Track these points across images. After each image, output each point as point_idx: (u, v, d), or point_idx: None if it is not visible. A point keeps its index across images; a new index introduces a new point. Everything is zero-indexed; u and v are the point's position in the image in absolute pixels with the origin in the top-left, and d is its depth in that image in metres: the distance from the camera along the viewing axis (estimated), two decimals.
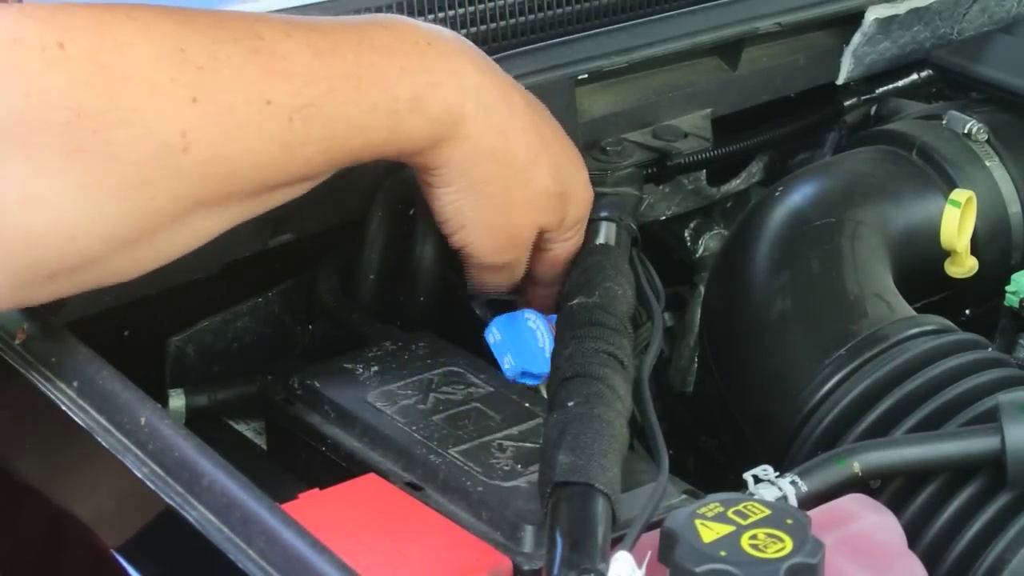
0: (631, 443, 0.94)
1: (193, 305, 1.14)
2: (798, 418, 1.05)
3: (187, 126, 0.83)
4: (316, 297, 1.17)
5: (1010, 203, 1.26)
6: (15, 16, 0.80)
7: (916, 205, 1.23)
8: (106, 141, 0.81)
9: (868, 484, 0.93)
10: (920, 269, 1.20)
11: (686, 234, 1.40)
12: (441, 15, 1.21)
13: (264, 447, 1.08)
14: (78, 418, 0.87)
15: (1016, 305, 1.17)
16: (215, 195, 0.86)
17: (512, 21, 1.25)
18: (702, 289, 1.33)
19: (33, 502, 0.94)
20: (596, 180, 1.18)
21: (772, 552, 0.75)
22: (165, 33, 0.83)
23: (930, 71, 1.45)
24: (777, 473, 0.89)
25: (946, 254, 1.21)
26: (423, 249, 1.12)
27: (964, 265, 1.21)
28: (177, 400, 1.10)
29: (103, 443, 0.85)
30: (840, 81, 1.42)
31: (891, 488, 0.96)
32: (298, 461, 1.01)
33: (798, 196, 1.20)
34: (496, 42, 1.24)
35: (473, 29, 1.22)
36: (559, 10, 1.27)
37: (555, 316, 1.08)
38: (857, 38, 1.40)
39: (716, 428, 1.19)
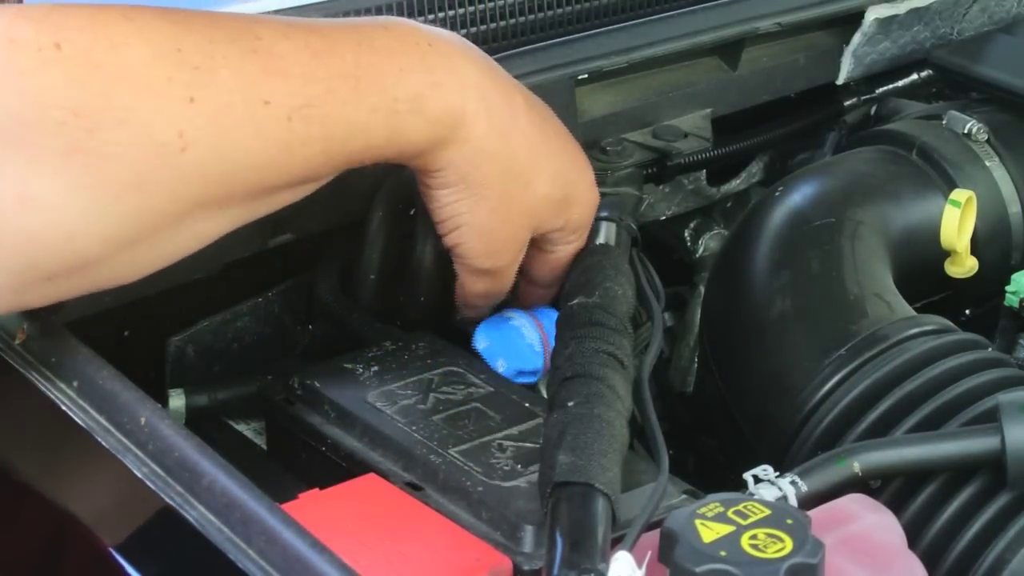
0: (631, 443, 0.94)
1: (193, 305, 1.14)
2: (798, 418, 1.05)
3: (184, 126, 0.83)
4: (316, 297, 1.17)
5: (1010, 203, 1.26)
6: (10, 16, 0.80)
7: (916, 205, 1.23)
8: (103, 141, 0.80)
9: (868, 484, 0.93)
10: (920, 269, 1.20)
11: (686, 234, 1.40)
12: (441, 15, 1.21)
13: (264, 447, 1.08)
14: (78, 418, 0.87)
15: (1016, 305, 1.17)
16: (215, 196, 0.86)
17: (512, 21, 1.25)
18: (702, 289, 1.33)
19: (33, 502, 0.94)
20: (596, 180, 1.18)
21: (772, 552, 0.75)
22: (161, 33, 0.83)
23: (930, 71, 1.45)
24: (777, 473, 0.89)
25: (946, 254, 1.21)
26: (423, 249, 1.12)
27: (964, 265, 1.21)
28: (177, 400, 1.10)
29: (103, 443, 0.85)
30: (840, 81, 1.42)
31: (891, 488, 0.96)
32: (298, 461, 1.01)
33: (798, 196, 1.20)
34: (496, 42, 1.24)
35: (473, 29, 1.22)
36: (559, 10, 1.27)
37: (539, 309, 1.08)
38: (857, 38, 1.40)
39: (716, 428, 1.19)
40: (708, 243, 1.39)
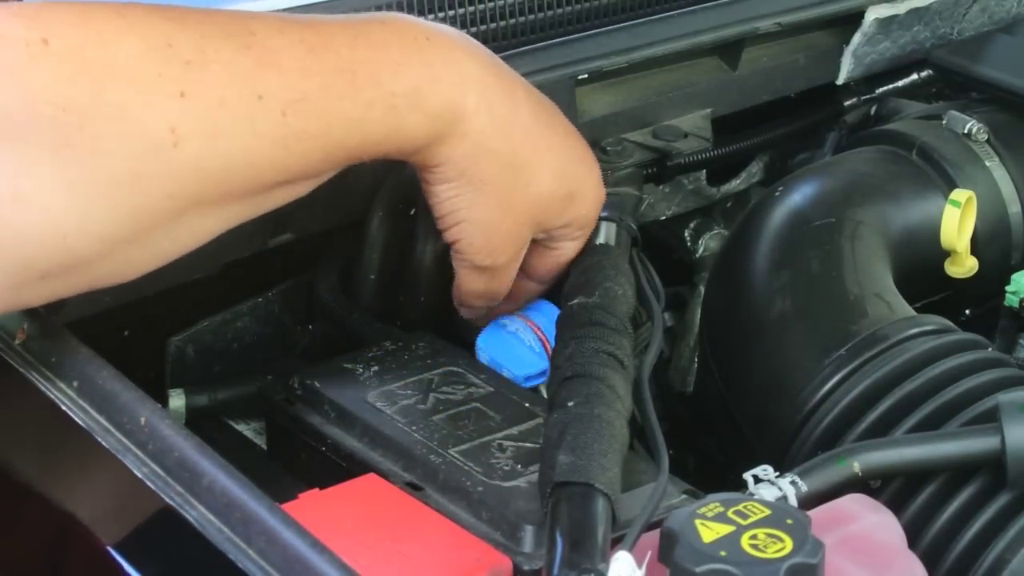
0: (631, 443, 0.94)
1: (193, 305, 1.14)
2: (798, 418, 1.05)
3: (176, 121, 0.82)
4: (316, 297, 1.17)
5: (1010, 203, 1.26)
6: None
7: (916, 205, 1.23)
8: (93, 136, 0.80)
9: (868, 484, 0.93)
10: (920, 269, 1.20)
11: (686, 234, 1.40)
12: (441, 15, 1.21)
13: (264, 447, 1.08)
14: (78, 418, 0.87)
15: (1016, 305, 1.17)
16: (210, 192, 0.85)
17: (512, 21, 1.25)
18: (702, 289, 1.33)
19: (33, 502, 0.94)
20: None
21: (772, 552, 0.75)
22: (152, 28, 0.83)
23: (930, 71, 1.45)
24: (777, 473, 0.89)
25: (946, 254, 1.21)
26: (423, 249, 1.12)
27: (964, 265, 1.21)
28: (177, 400, 1.10)
29: (103, 443, 0.85)
30: (840, 81, 1.42)
31: (891, 488, 0.96)
32: (298, 461, 1.01)
33: (798, 196, 1.20)
34: (496, 42, 1.24)
35: (473, 29, 1.22)
36: (559, 10, 1.27)
37: (533, 306, 1.08)
38: (857, 38, 1.40)
39: (716, 428, 1.19)
40: (708, 243, 1.39)
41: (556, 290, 1.08)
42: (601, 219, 1.11)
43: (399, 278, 1.14)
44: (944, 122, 1.29)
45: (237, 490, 0.80)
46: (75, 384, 0.89)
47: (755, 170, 1.43)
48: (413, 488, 0.93)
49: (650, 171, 1.28)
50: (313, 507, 0.89)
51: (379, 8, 1.18)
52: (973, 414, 0.98)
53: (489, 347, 1.07)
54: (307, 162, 0.89)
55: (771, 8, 1.36)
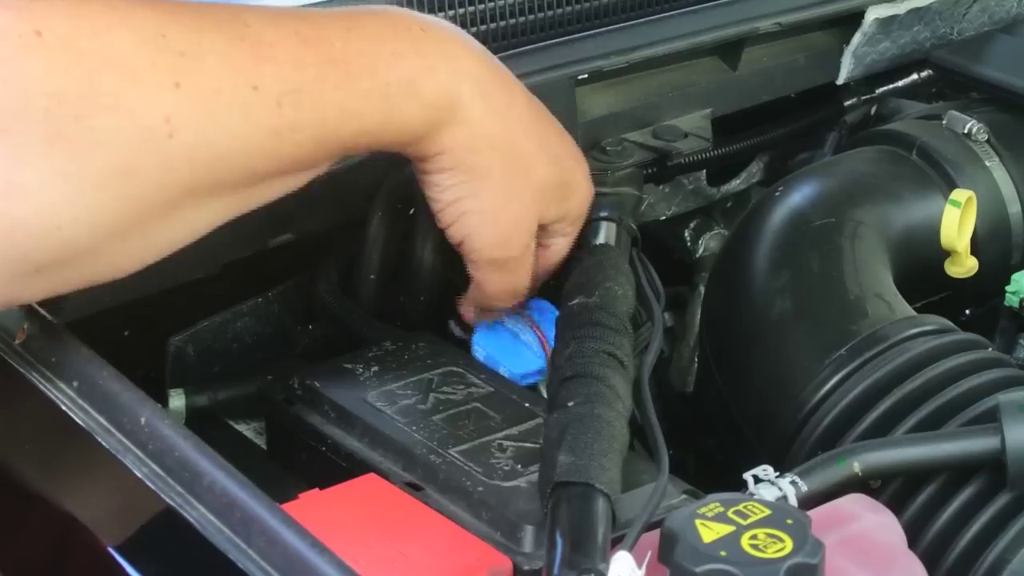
0: (631, 443, 0.94)
1: (193, 305, 1.14)
2: (798, 418, 1.05)
3: (171, 111, 0.82)
4: (316, 297, 1.17)
5: (1010, 203, 1.26)
6: None
7: (916, 205, 1.23)
8: (88, 127, 0.80)
9: (868, 484, 0.93)
10: (920, 269, 1.20)
11: (686, 234, 1.40)
12: (441, 15, 1.21)
13: (264, 447, 1.08)
14: (78, 418, 0.87)
15: (1016, 305, 1.17)
16: (204, 183, 0.85)
17: (512, 21, 1.25)
18: (702, 289, 1.33)
19: (33, 503, 0.94)
20: (596, 180, 1.18)
21: (772, 552, 0.75)
22: (145, 20, 0.83)
23: (930, 71, 1.45)
24: (777, 473, 0.89)
25: (946, 254, 1.21)
26: (423, 249, 1.12)
27: (964, 265, 1.21)
28: (177, 400, 1.10)
29: (103, 443, 0.85)
30: (840, 81, 1.42)
31: (891, 488, 0.96)
32: (298, 461, 1.01)
33: (798, 196, 1.20)
34: (496, 42, 1.24)
35: (473, 29, 1.22)
36: (559, 10, 1.27)
37: (528, 304, 1.08)
38: (857, 38, 1.40)
39: (716, 428, 1.19)
40: (708, 243, 1.39)
41: (554, 289, 1.08)
42: (601, 219, 1.11)
43: (399, 278, 1.14)
44: (944, 122, 1.29)
45: (237, 490, 0.80)
46: (75, 384, 0.89)
47: (755, 170, 1.43)
48: (413, 488, 0.93)
49: (650, 171, 1.27)
50: (313, 507, 0.89)
51: (377, 2, 1.18)
52: (973, 414, 0.98)
53: (486, 344, 1.07)
54: (302, 152, 0.89)
55: (771, 8, 1.36)
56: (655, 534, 0.79)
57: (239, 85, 0.84)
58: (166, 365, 1.14)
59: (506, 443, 0.96)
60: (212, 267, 1.10)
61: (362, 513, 0.90)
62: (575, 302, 1.01)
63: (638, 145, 1.28)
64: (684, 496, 0.93)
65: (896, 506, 0.92)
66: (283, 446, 1.04)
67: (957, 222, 1.18)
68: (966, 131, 1.27)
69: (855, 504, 0.88)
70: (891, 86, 1.47)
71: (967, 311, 1.28)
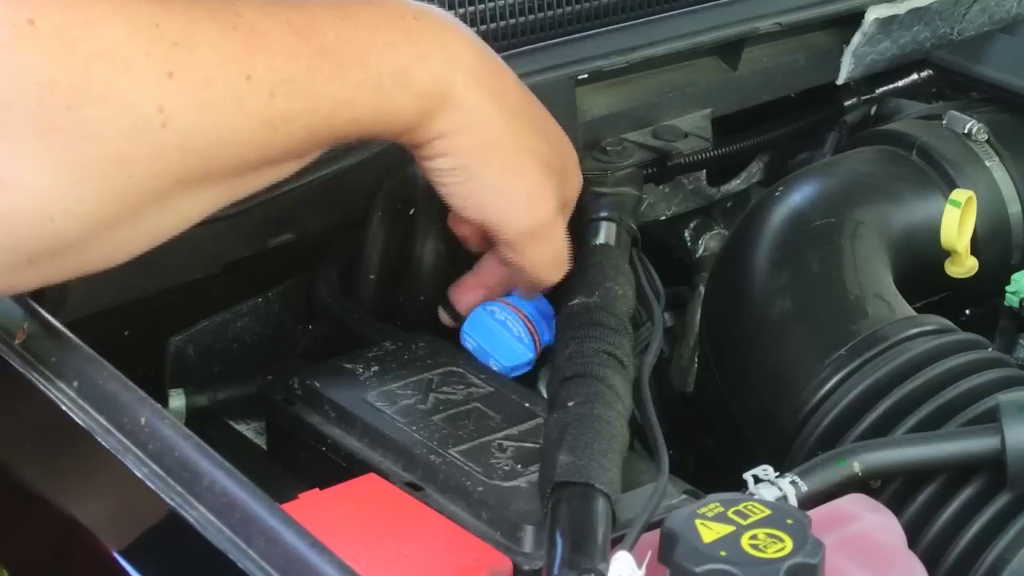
0: (631, 443, 0.94)
1: (193, 305, 1.14)
2: (798, 418, 1.05)
3: (164, 101, 0.81)
4: (316, 297, 1.17)
5: (1010, 203, 1.26)
6: None
7: (916, 205, 1.23)
8: (81, 117, 0.79)
9: (868, 484, 0.93)
10: (920, 269, 1.20)
11: (686, 234, 1.40)
12: None
13: (264, 447, 1.08)
14: (78, 418, 0.87)
15: (1016, 305, 1.17)
16: (197, 173, 0.85)
17: (512, 21, 1.25)
18: (702, 289, 1.33)
19: (33, 503, 0.94)
20: (596, 180, 1.18)
21: (772, 552, 0.75)
22: (138, 10, 0.82)
23: (930, 71, 1.45)
24: (777, 473, 0.89)
25: (946, 254, 1.21)
26: (423, 249, 1.12)
27: (964, 265, 1.21)
28: (177, 400, 1.10)
29: (103, 443, 0.85)
30: (840, 81, 1.42)
31: (891, 488, 0.96)
32: (298, 461, 1.01)
33: (798, 196, 1.20)
34: (496, 42, 1.23)
35: (473, 29, 1.22)
36: (559, 10, 1.27)
37: (519, 295, 1.08)
38: (857, 38, 1.40)
39: (716, 428, 1.19)
40: (708, 243, 1.39)
41: (554, 288, 1.08)
42: (601, 219, 1.11)
43: (399, 278, 1.14)
44: (944, 122, 1.29)
45: (237, 490, 0.80)
46: (75, 384, 0.89)
47: (755, 170, 1.43)
48: (413, 488, 0.93)
49: (650, 171, 1.28)
50: (313, 507, 0.89)
51: None
52: (973, 414, 0.98)
53: (476, 334, 1.06)
54: (294, 142, 0.89)
55: (771, 8, 1.36)
56: (655, 534, 0.79)
57: (232, 75, 0.84)
58: (166, 365, 1.14)
59: (506, 443, 0.96)
60: (212, 267, 1.10)
61: (362, 513, 0.90)
62: (575, 302, 1.01)
63: (638, 145, 1.28)
64: (684, 496, 0.93)
65: (896, 506, 0.92)
66: (283, 446, 1.04)
67: (957, 222, 1.18)
68: (966, 131, 1.27)
69: (855, 504, 0.88)
70: (891, 86, 1.47)
71: (967, 311, 1.28)
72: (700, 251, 1.39)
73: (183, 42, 0.83)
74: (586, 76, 1.26)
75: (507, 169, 0.97)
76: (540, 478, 0.89)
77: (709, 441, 1.24)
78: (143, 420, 0.85)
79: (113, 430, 0.86)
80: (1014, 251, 1.26)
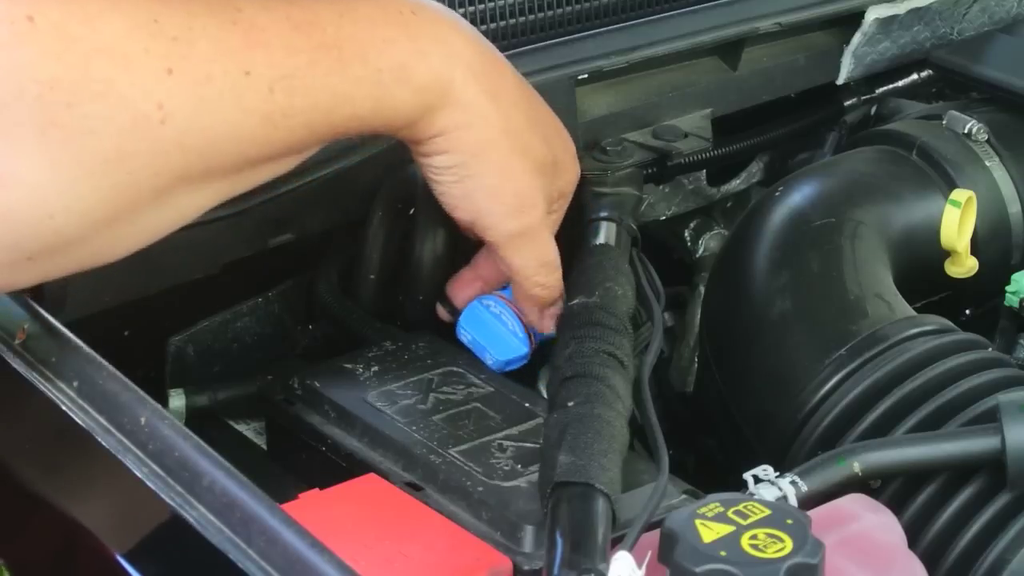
0: (631, 443, 0.94)
1: (193, 305, 1.14)
2: (798, 418, 1.05)
3: (163, 97, 0.81)
4: (316, 297, 1.17)
5: (1010, 203, 1.26)
6: None
7: (916, 205, 1.23)
8: (81, 115, 0.79)
9: (868, 484, 0.93)
10: (920, 269, 1.20)
11: (686, 234, 1.40)
12: None
13: (264, 447, 1.08)
14: (78, 418, 0.87)
15: (1016, 305, 1.17)
16: (196, 169, 0.85)
17: (512, 21, 1.25)
18: (702, 289, 1.33)
19: (32, 503, 0.94)
20: (596, 180, 1.19)
21: (772, 552, 0.75)
22: (137, 5, 0.82)
23: (930, 71, 1.45)
24: (777, 473, 0.89)
25: (946, 254, 1.21)
26: (423, 249, 1.12)
27: (964, 265, 1.21)
28: (177, 400, 1.10)
29: (103, 443, 0.85)
30: (840, 81, 1.42)
31: (891, 488, 0.96)
32: (298, 461, 1.01)
33: (798, 196, 1.20)
34: (496, 42, 1.22)
35: None
36: (559, 10, 1.27)
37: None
38: (857, 38, 1.40)
39: (716, 428, 1.19)
40: (708, 243, 1.39)
41: None
42: (601, 219, 1.11)
43: (399, 278, 1.14)
44: (944, 122, 1.29)
45: (237, 490, 0.80)
46: (75, 384, 0.89)
47: (755, 170, 1.43)
48: (413, 488, 0.93)
49: (650, 171, 1.28)
50: (313, 507, 0.89)
51: None
52: (973, 414, 0.98)
53: (471, 328, 1.06)
54: (293, 138, 0.88)
55: (771, 8, 1.36)
56: (655, 534, 0.79)
57: (231, 71, 0.84)
58: (166, 365, 1.14)
59: (506, 443, 0.96)
60: (212, 267, 1.10)
61: (362, 513, 0.90)
62: (575, 302, 1.01)
63: (638, 145, 1.28)
64: (684, 496, 0.93)
65: (896, 506, 0.92)
66: (283, 446, 1.04)
67: (957, 222, 1.18)
68: (966, 131, 1.27)
69: (855, 504, 0.88)
70: (891, 86, 1.47)
71: (967, 311, 1.28)
72: (700, 251, 1.39)
73: (182, 38, 0.82)
74: (586, 76, 1.26)
75: (502, 170, 0.97)
76: (540, 478, 0.89)
77: (709, 441, 1.24)
78: (143, 420, 0.85)
79: (113, 430, 0.86)
80: (1014, 251, 1.26)
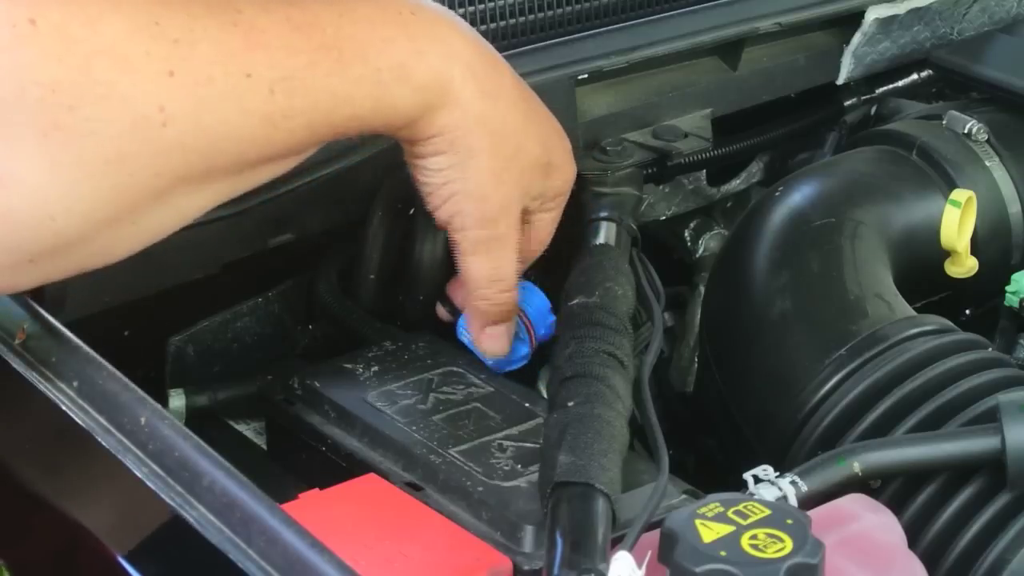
0: (631, 443, 0.94)
1: (193, 305, 1.14)
2: (798, 418, 1.05)
3: (164, 99, 0.81)
4: (316, 297, 1.17)
5: (1010, 203, 1.26)
6: None
7: (916, 205, 1.23)
8: (83, 117, 0.79)
9: (868, 484, 0.93)
10: (920, 269, 1.20)
11: (686, 234, 1.40)
12: None
13: (264, 447, 1.08)
14: (78, 418, 0.87)
15: (1016, 305, 1.17)
16: (197, 170, 0.85)
17: (512, 21, 1.25)
18: (702, 289, 1.33)
19: (32, 503, 0.94)
20: (596, 180, 1.19)
21: (772, 552, 0.75)
22: (138, 8, 0.82)
23: (930, 71, 1.45)
24: (777, 473, 0.89)
25: (946, 254, 1.21)
26: (423, 249, 1.12)
27: (964, 265, 1.21)
28: (177, 400, 1.10)
29: (103, 443, 0.85)
30: (840, 81, 1.42)
31: (891, 488, 0.96)
32: (298, 461, 1.01)
33: (798, 196, 1.20)
34: (496, 42, 1.23)
35: (473, 29, 1.22)
36: (559, 10, 1.27)
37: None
38: (857, 38, 1.40)
39: (716, 428, 1.19)
40: (708, 243, 1.39)
41: (552, 286, 1.08)
42: (601, 219, 1.11)
43: (399, 278, 1.14)
44: (944, 122, 1.29)
45: (237, 490, 0.80)
46: (75, 384, 0.89)
47: (755, 170, 1.43)
48: (413, 488, 0.93)
49: (650, 171, 1.28)
50: (313, 507, 0.89)
51: None
52: (973, 414, 0.98)
53: None
54: (293, 138, 0.89)
55: (771, 8, 1.36)
56: (655, 534, 0.79)
57: (232, 72, 0.84)
58: (166, 365, 1.14)
59: (506, 443, 0.96)
60: (212, 267, 1.10)
61: (362, 513, 0.90)
62: (575, 302, 1.01)
63: (638, 145, 1.28)
64: (684, 496, 0.93)
65: (896, 506, 0.92)
66: (283, 446, 1.04)
67: (957, 222, 1.18)
68: (966, 131, 1.27)
69: (855, 504, 0.88)
70: (891, 86, 1.47)
71: (967, 311, 1.28)
72: (700, 251, 1.39)
73: (183, 40, 0.83)
74: (586, 76, 1.26)
75: (491, 175, 0.97)
76: (540, 478, 0.89)
77: (709, 441, 1.24)
78: (143, 420, 0.85)
79: (113, 430, 0.86)
80: (1014, 251, 1.26)
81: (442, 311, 1.10)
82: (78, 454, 0.90)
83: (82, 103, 0.79)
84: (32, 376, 0.90)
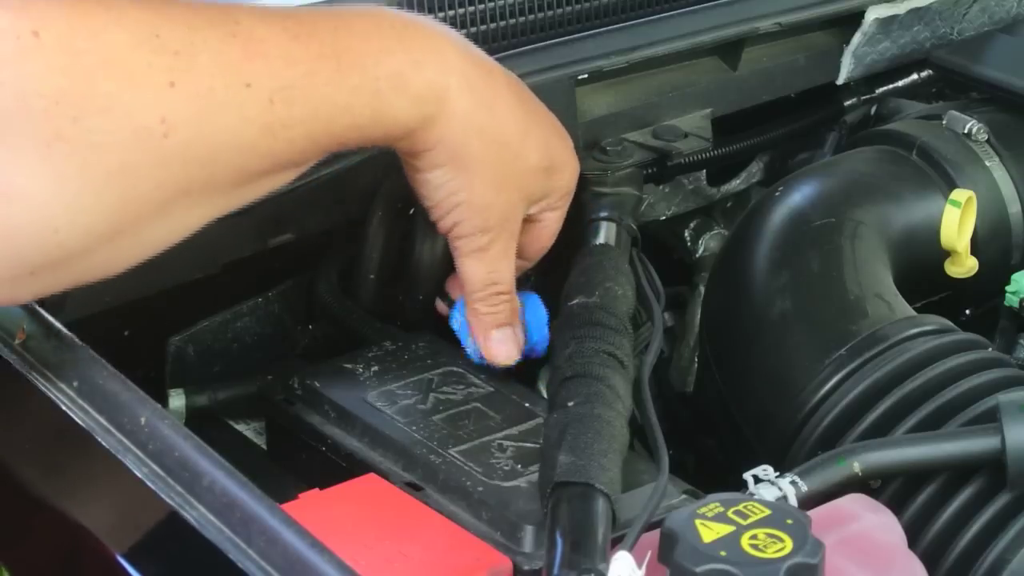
0: (631, 443, 0.94)
1: (193, 305, 1.14)
2: (798, 418, 1.05)
3: (166, 111, 0.82)
4: (316, 297, 1.17)
5: (1010, 203, 1.26)
6: None
7: (916, 205, 1.23)
8: (86, 129, 0.79)
9: (868, 484, 0.93)
10: (920, 269, 1.20)
11: (686, 234, 1.40)
12: (441, 15, 1.21)
13: (264, 447, 1.08)
14: (78, 418, 0.87)
15: (1016, 305, 1.17)
16: (198, 182, 0.85)
17: (512, 21, 1.25)
18: (702, 289, 1.33)
19: (32, 503, 0.94)
20: (596, 180, 1.19)
21: (772, 552, 0.75)
22: (139, 20, 0.82)
23: (930, 71, 1.45)
24: (777, 473, 0.89)
25: (946, 254, 1.21)
26: (423, 249, 1.12)
27: (964, 265, 1.21)
28: (177, 400, 1.10)
29: (103, 443, 0.85)
30: (840, 81, 1.42)
31: (891, 488, 0.96)
32: (298, 461, 1.01)
33: (798, 196, 1.21)
34: (496, 42, 1.24)
35: (473, 29, 1.22)
36: (559, 10, 1.27)
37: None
38: (857, 38, 1.40)
39: (716, 428, 1.19)
40: (708, 243, 1.39)
41: (552, 286, 1.08)
42: (601, 219, 1.11)
43: (399, 278, 1.14)
44: (944, 122, 1.29)
45: (237, 490, 0.80)
46: (75, 384, 0.89)
47: (755, 170, 1.43)
48: (413, 488, 0.93)
49: (650, 171, 1.28)
50: (313, 507, 0.89)
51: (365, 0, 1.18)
52: (973, 414, 0.98)
53: (463, 315, 1.06)
54: (294, 149, 0.89)
55: (771, 8, 1.36)
56: (655, 534, 0.79)
57: (232, 83, 0.85)
58: (166, 365, 1.14)
59: (506, 443, 0.96)
60: (212, 267, 1.10)
61: (362, 513, 0.90)
62: (575, 302, 1.01)
63: (638, 145, 1.28)
64: (684, 496, 0.93)
65: (896, 506, 0.92)
66: (283, 446, 1.04)
67: (957, 222, 1.18)
68: (966, 131, 1.27)
69: (855, 504, 0.88)
70: (891, 86, 1.47)
71: (967, 311, 1.28)
72: (700, 251, 1.39)
73: (184, 51, 0.83)
74: (586, 76, 1.26)
75: (491, 187, 0.98)
76: (540, 478, 0.89)
77: (709, 441, 1.24)
78: (143, 420, 0.85)
79: (113, 430, 0.86)
80: (1014, 251, 1.26)
81: (441, 305, 1.10)
82: (78, 454, 0.90)
83: (85, 114, 0.80)
84: (32, 376, 0.90)
